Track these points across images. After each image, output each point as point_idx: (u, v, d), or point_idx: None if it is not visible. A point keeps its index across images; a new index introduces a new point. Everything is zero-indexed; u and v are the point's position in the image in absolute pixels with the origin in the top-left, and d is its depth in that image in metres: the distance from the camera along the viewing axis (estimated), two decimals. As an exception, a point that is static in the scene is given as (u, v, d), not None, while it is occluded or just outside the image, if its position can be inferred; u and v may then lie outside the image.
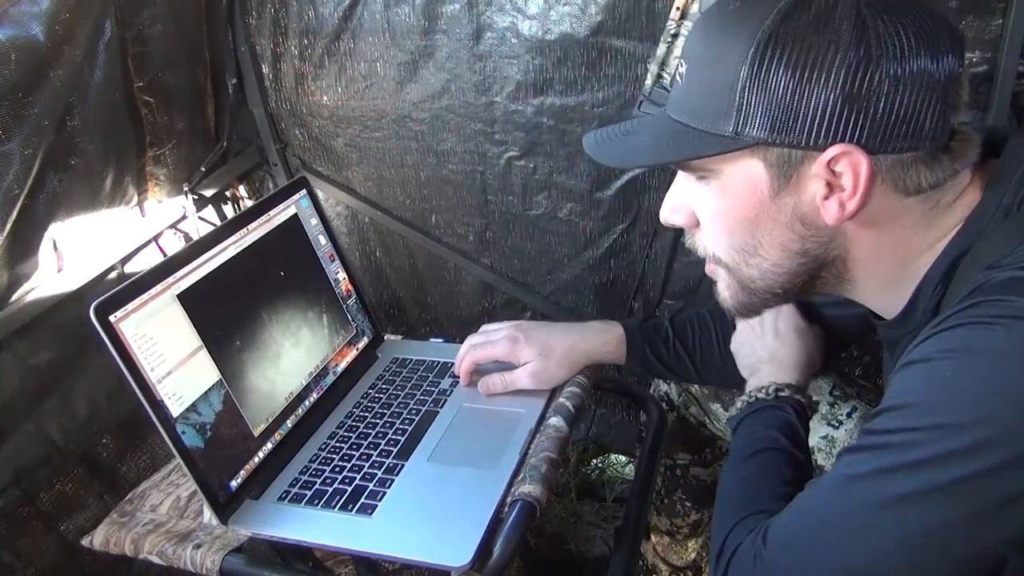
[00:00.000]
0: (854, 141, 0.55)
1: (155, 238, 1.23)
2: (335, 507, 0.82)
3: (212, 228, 1.18)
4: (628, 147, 0.66)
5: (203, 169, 1.33)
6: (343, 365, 1.05)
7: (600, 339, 0.97)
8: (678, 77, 0.63)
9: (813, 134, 0.55)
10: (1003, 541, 0.50)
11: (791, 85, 0.55)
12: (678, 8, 1.11)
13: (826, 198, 0.58)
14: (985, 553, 0.51)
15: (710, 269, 0.70)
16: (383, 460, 0.88)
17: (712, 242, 0.66)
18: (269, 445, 0.89)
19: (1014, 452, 0.47)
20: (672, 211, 0.68)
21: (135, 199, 1.17)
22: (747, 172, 0.60)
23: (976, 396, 0.49)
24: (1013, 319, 0.49)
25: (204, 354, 0.84)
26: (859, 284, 0.65)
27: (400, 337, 1.18)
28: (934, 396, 0.51)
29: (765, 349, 0.88)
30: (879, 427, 0.54)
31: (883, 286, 0.65)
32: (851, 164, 0.55)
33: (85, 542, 0.85)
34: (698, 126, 0.60)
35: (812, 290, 0.66)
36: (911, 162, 0.56)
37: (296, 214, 1.03)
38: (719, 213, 0.64)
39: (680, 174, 0.67)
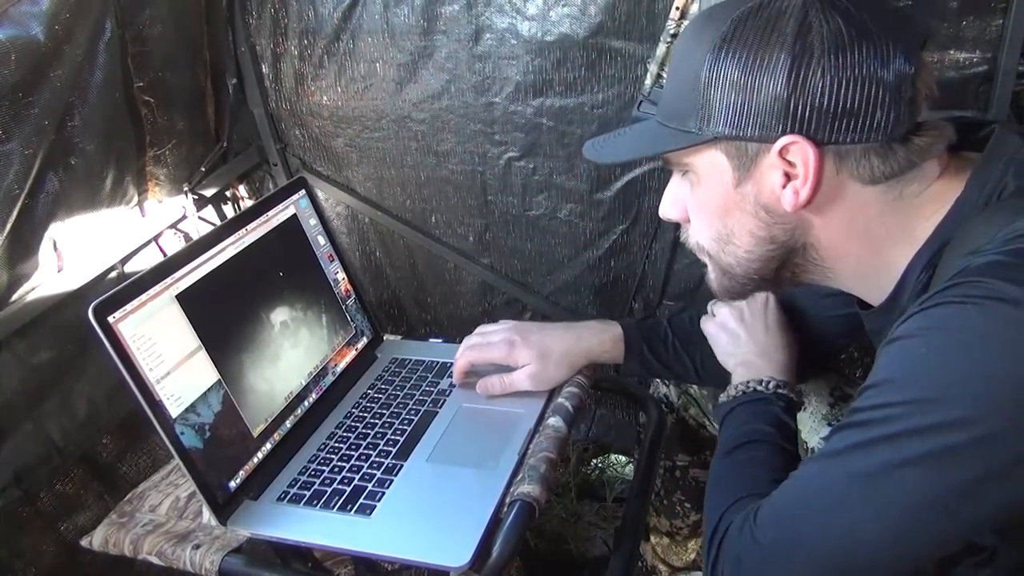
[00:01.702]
0: (803, 132, 0.59)
1: (155, 238, 1.23)
2: (334, 507, 0.82)
3: (212, 228, 1.18)
4: (615, 145, 0.73)
5: (203, 169, 1.33)
6: (342, 365, 1.05)
7: (597, 339, 0.97)
8: (664, 82, 0.68)
9: (764, 126, 0.60)
10: (978, 520, 0.52)
11: (741, 81, 0.60)
12: (678, 8, 1.11)
13: (783, 186, 0.62)
14: (961, 530, 0.53)
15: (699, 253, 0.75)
16: (382, 460, 0.88)
17: (697, 233, 0.72)
18: (268, 445, 0.89)
19: (987, 429, 0.49)
20: (669, 206, 0.74)
21: (135, 199, 1.17)
22: (714, 165, 0.65)
23: (949, 373, 0.51)
24: (987, 299, 0.51)
25: (203, 355, 0.84)
26: (836, 271, 0.69)
27: (399, 337, 1.18)
28: (910, 372, 0.54)
29: (756, 343, 0.89)
30: (860, 404, 0.56)
31: (861, 275, 0.68)
32: (801, 153, 0.60)
33: (84, 542, 0.86)
34: (671, 124, 0.66)
35: (792, 278, 0.70)
36: (863, 153, 0.60)
37: (295, 214, 1.03)
38: (697, 204, 0.70)
39: (674, 172, 0.72)
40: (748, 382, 0.84)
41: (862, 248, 0.65)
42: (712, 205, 0.67)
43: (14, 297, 0.96)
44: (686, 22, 1.11)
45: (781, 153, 0.60)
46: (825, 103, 0.58)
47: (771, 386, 0.83)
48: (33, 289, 0.98)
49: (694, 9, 1.11)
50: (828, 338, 0.94)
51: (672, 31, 1.12)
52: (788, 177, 0.62)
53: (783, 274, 0.70)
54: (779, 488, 0.63)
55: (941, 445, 0.50)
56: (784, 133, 0.60)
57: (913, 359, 0.54)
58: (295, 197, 1.04)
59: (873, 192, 0.62)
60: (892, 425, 0.53)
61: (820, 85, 0.57)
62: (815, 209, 0.63)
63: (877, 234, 0.64)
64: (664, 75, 1.16)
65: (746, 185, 0.64)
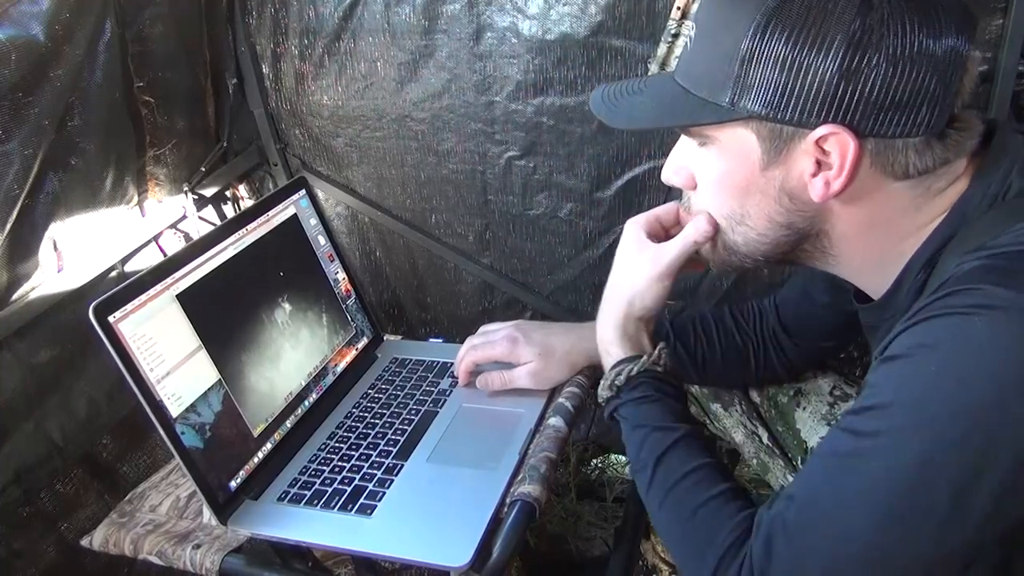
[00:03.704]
0: (845, 121, 0.56)
1: (155, 238, 1.22)
2: (334, 507, 0.82)
3: (212, 228, 1.18)
4: (631, 108, 0.68)
5: (203, 169, 1.33)
6: (342, 365, 1.05)
7: (600, 340, 0.96)
8: (687, 41, 0.64)
9: (806, 112, 0.57)
10: (992, 531, 0.51)
11: (790, 59, 0.55)
12: (678, 8, 1.11)
13: (813, 175, 0.59)
14: (960, 554, 0.52)
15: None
16: (382, 460, 0.88)
17: (705, 205, 0.68)
18: (268, 445, 0.89)
19: (996, 451, 0.48)
20: (674, 172, 0.71)
21: (135, 199, 1.17)
22: (741, 143, 0.61)
23: (959, 393, 0.49)
24: (990, 308, 0.49)
25: (203, 354, 0.84)
26: (842, 260, 0.66)
27: (400, 337, 1.18)
28: (917, 394, 0.52)
29: (599, 329, 0.82)
30: (866, 428, 0.54)
31: (866, 265, 0.66)
32: (839, 144, 0.57)
33: (85, 542, 0.86)
34: (698, 93, 0.62)
35: (795, 261, 0.68)
36: (902, 147, 0.57)
37: (295, 214, 1.03)
38: (713, 179, 0.66)
39: (683, 137, 0.69)
40: (603, 387, 0.77)
41: (875, 240, 0.63)
42: (732, 184, 0.64)
43: (14, 297, 0.95)
44: (687, 22, 1.11)
45: (818, 142, 0.57)
46: (875, 93, 0.55)
47: (634, 371, 0.74)
48: (33, 289, 0.98)
49: (695, 9, 1.10)
50: (826, 339, 0.94)
51: (673, 31, 1.12)
52: (819, 166, 0.59)
53: (787, 257, 0.68)
54: (789, 515, 0.58)
55: (956, 462, 0.49)
56: (825, 121, 0.56)
57: (919, 380, 0.52)
58: (295, 197, 1.04)
59: (903, 187, 0.60)
60: (902, 450, 0.51)
61: (875, 73, 0.54)
62: (841, 200, 0.60)
63: (896, 228, 0.62)
64: (665, 75, 1.16)
65: (773, 169, 0.61)
